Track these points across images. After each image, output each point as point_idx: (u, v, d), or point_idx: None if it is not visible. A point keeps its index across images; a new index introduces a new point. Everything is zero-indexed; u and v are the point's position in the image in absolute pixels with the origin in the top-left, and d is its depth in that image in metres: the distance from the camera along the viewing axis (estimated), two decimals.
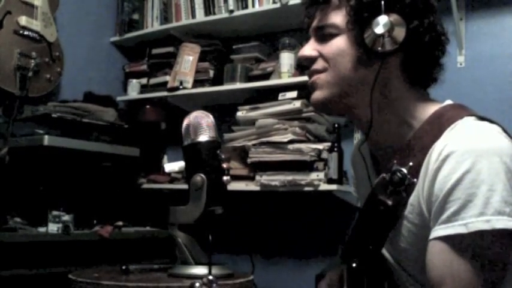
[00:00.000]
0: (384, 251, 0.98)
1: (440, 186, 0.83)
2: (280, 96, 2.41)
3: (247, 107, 2.50)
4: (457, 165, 0.82)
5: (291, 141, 2.29)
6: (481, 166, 0.80)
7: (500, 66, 2.18)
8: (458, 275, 0.80)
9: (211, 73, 2.71)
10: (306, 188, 2.27)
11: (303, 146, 2.27)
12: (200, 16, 2.74)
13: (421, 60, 0.94)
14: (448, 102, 0.95)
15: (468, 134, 0.85)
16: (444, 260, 0.81)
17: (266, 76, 2.54)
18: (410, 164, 0.89)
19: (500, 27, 2.20)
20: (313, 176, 2.25)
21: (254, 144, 2.40)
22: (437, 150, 0.85)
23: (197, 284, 0.71)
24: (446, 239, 0.81)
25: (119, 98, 2.88)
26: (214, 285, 0.77)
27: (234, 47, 2.74)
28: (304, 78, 2.44)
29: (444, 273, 0.81)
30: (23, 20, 2.32)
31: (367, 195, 0.97)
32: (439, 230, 0.82)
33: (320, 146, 2.27)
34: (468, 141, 0.83)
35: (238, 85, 2.58)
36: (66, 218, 2.06)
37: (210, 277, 0.75)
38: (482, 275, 0.80)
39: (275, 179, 2.32)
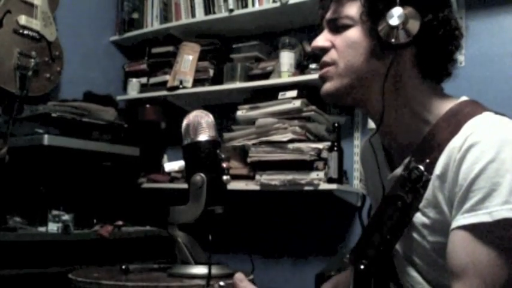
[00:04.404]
0: (397, 247, 0.98)
1: (464, 175, 0.83)
2: (280, 96, 2.41)
3: (247, 106, 2.50)
4: (481, 154, 0.82)
5: (291, 141, 2.29)
6: (505, 155, 0.81)
7: (500, 65, 2.18)
8: (480, 264, 0.80)
9: (211, 72, 2.71)
10: (306, 188, 2.26)
11: (302, 145, 2.27)
12: (200, 15, 2.74)
13: (434, 54, 0.94)
14: (463, 98, 0.96)
15: (490, 125, 0.86)
16: (467, 249, 0.81)
17: (266, 75, 2.54)
18: (427, 161, 0.89)
19: (500, 27, 2.20)
20: (313, 175, 2.25)
21: (254, 144, 2.40)
22: (458, 142, 0.86)
23: None
24: (469, 227, 0.81)
25: (118, 98, 2.88)
26: None
27: (233, 46, 2.74)
28: (304, 77, 2.46)
29: (466, 263, 0.81)
30: (23, 19, 2.32)
31: (378, 189, 0.98)
32: (462, 219, 0.82)
33: (320, 146, 2.27)
34: (491, 132, 0.84)
35: (238, 84, 2.58)
36: (66, 217, 2.05)
37: (221, 283, 0.75)
38: (506, 264, 0.80)
39: (275, 179, 2.32)
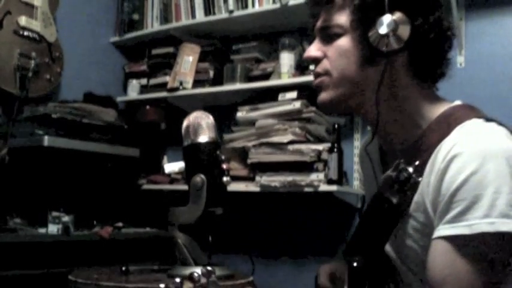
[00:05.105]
0: (390, 250, 0.98)
1: (447, 186, 0.83)
2: (280, 97, 2.41)
3: (247, 107, 2.50)
4: (464, 166, 0.82)
5: (291, 142, 2.29)
6: (488, 168, 0.80)
7: (500, 66, 2.18)
8: (460, 276, 0.80)
9: (211, 73, 2.71)
10: (306, 189, 2.26)
11: (302, 146, 2.27)
12: (200, 16, 2.74)
13: (427, 56, 0.94)
14: (457, 102, 0.95)
15: (475, 135, 0.85)
16: (446, 260, 0.81)
17: (266, 76, 2.54)
18: (416, 163, 0.89)
19: (500, 27, 2.20)
20: (313, 176, 2.25)
21: (254, 145, 2.40)
22: (444, 150, 0.86)
23: (195, 274, 0.71)
24: (449, 238, 0.81)
25: (118, 99, 2.88)
26: (213, 275, 0.76)
27: (233, 47, 2.74)
28: (304, 78, 2.46)
29: (446, 274, 0.81)
30: (23, 20, 2.32)
31: (373, 192, 0.98)
32: (443, 230, 0.82)
33: (320, 147, 2.27)
34: (475, 143, 0.84)
35: (238, 85, 2.58)
36: (66, 218, 2.05)
37: (209, 268, 0.75)
38: (484, 277, 0.80)
39: (275, 180, 2.32)
